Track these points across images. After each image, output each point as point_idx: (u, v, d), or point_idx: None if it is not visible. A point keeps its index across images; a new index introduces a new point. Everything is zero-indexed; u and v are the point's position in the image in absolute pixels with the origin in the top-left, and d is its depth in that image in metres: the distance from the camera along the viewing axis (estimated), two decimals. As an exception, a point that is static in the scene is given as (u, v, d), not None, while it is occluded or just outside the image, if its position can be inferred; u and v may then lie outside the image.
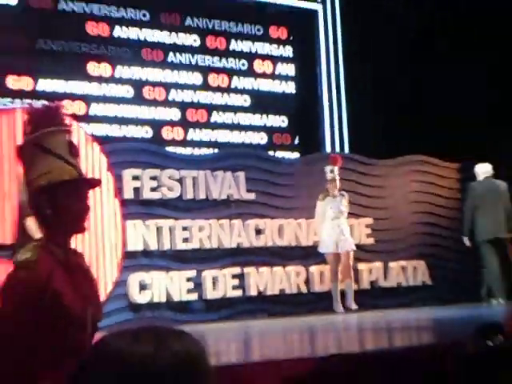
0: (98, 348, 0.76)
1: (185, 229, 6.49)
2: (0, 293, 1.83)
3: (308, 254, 6.61)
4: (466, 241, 6.43)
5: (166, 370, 0.74)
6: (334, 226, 6.37)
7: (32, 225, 4.13)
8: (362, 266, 6.73)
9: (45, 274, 1.81)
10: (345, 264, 6.34)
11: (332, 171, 6.38)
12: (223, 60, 7.45)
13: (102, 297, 4.91)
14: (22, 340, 1.81)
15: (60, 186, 1.89)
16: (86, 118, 6.58)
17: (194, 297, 6.50)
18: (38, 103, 5.41)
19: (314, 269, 6.60)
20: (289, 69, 7.88)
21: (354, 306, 6.49)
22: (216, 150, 7.21)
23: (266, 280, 6.56)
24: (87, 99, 6.79)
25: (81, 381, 0.75)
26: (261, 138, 7.76)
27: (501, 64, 7.32)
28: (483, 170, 6.65)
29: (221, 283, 6.56)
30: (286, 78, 7.86)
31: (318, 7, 7.90)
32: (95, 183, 2.15)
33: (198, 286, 6.47)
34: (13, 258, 3.88)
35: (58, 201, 1.90)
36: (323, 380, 3.26)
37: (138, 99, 7.22)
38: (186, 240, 6.51)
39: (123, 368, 0.73)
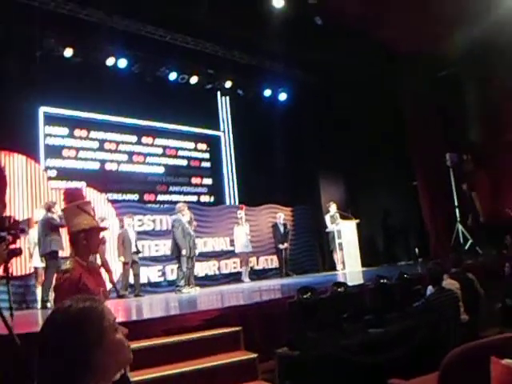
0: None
1: (156, 245, 10.53)
2: (56, 286, 3.04)
3: (219, 254, 11.35)
4: None
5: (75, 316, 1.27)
6: (243, 239, 10.99)
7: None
8: (251, 258, 11.46)
9: (78, 275, 2.91)
10: (246, 257, 11.09)
11: (240, 213, 11.28)
12: (175, 160, 11.93)
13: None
14: None
15: (91, 230, 3.09)
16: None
17: (161, 279, 10.44)
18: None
19: (222, 262, 11.37)
20: (207, 164, 12.51)
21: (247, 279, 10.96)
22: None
23: (200, 268, 10.82)
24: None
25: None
26: (195, 198, 12.21)
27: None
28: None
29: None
30: (206, 169, 12.43)
31: (221, 134, 12.83)
32: (104, 229, 3.59)
33: (163, 273, 10.48)
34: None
35: (90, 237, 3.08)
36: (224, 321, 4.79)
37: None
38: (156, 250, 10.56)
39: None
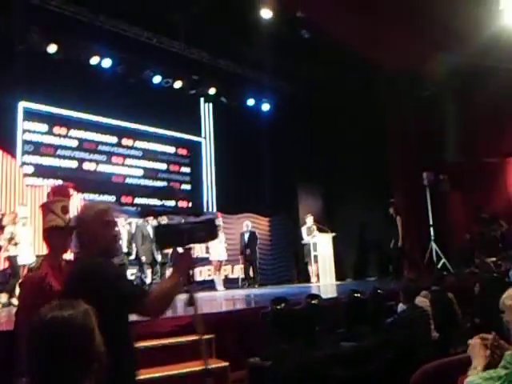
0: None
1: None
2: (20, 283, 3.30)
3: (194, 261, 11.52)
4: None
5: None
6: (218, 247, 10.84)
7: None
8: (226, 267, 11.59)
9: (43, 274, 2.88)
10: (220, 266, 11.08)
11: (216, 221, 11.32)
12: (154, 164, 11.94)
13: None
14: (30, 302, 2.70)
15: (53, 229, 3.02)
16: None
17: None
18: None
19: (197, 269, 11.04)
20: (187, 169, 12.52)
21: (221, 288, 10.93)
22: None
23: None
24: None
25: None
26: (173, 203, 12.16)
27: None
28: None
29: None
30: (185, 174, 12.44)
31: (203, 140, 12.89)
32: (64, 228, 3.07)
33: (137, 277, 10.32)
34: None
35: (53, 236, 3.03)
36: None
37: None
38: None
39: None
